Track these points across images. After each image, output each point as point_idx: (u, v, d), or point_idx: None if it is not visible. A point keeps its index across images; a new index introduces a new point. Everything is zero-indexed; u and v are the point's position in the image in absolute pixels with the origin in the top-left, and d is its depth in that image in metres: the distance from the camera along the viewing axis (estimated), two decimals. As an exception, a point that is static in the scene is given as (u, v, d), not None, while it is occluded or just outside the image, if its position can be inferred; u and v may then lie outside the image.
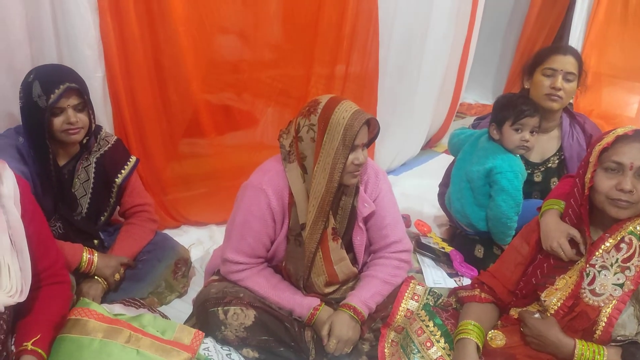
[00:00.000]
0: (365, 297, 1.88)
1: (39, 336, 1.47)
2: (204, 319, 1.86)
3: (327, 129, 1.74)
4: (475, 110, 5.80)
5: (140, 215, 2.26)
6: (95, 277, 2.03)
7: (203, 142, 2.77)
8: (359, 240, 1.97)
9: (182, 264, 2.28)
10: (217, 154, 2.83)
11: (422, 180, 3.68)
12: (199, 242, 2.72)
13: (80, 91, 1.95)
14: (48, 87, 1.86)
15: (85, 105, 1.97)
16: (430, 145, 4.52)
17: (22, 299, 1.47)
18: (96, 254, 2.03)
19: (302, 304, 1.88)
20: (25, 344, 1.44)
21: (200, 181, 2.85)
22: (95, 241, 2.18)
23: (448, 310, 1.85)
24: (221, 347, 1.78)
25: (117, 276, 2.07)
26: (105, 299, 2.04)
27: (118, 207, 2.29)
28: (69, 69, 2.02)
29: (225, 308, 1.83)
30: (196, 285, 2.34)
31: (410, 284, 1.99)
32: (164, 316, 1.94)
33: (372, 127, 1.85)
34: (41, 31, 2.17)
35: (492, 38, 5.69)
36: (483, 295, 1.79)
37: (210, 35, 2.52)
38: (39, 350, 1.45)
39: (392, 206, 2.02)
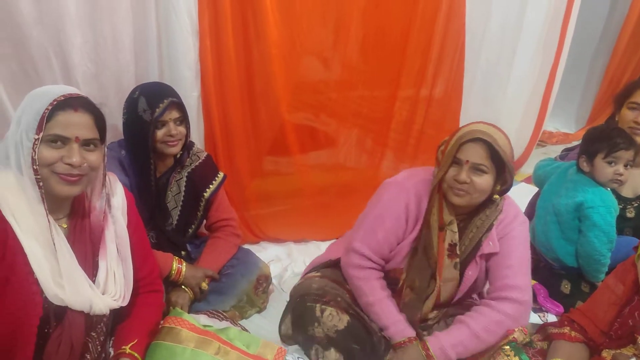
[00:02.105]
0: (445, 344, 1.78)
1: (135, 341, 1.55)
2: (301, 311, 1.91)
3: (450, 141, 1.77)
4: (556, 139, 5.61)
5: (225, 230, 2.34)
6: (183, 287, 2.12)
7: (286, 161, 2.85)
8: (470, 274, 1.90)
9: (264, 280, 2.33)
10: (299, 173, 2.90)
11: (501, 209, 3.58)
12: (277, 259, 2.78)
13: (181, 106, 2.07)
14: (153, 102, 2.00)
15: (184, 119, 2.09)
16: (508, 172, 4.40)
17: (124, 304, 1.56)
18: (184, 264, 2.12)
19: (398, 327, 1.86)
20: (123, 347, 1.53)
21: (281, 199, 2.94)
22: (183, 252, 2.27)
23: (535, 347, 1.79)
24: (302, 364, 1.83)
25: (204, 285, 2.15)
26: (190, 309, 2.12)
27: (205, 221, 2.38)
28: (169, 86, 2.15)
29: (323, 307, 1.88)
30: (274, 301, 2.40)
31: None
32: (244, 330, 2.00)
33: (501, 164, 1.73)
34: (147, 53, 2.33)
35: (578, 65, 5.49)
36: (573, 334, 1.73)
37: (300, 58, 2.62)
38: (136, 355, 1.53)
39: (522, 252, 1.90)
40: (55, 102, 1.36)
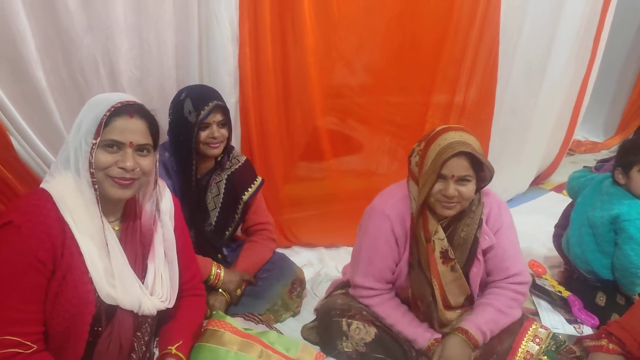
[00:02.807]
0: (479, 322, 1.86)
1: (181, 342, 1.59)
2: (327, 326, 1.95)
3: (426, 153, 1.78)
4: (584, 148, 5.57)
5: (261, 234, 2.38)
6: (220, 291, 2.16)
7: (319, 166, 2.88)
8: (475, 272, 1.97)
9: (298, 284, 2.37)
10: (331, 178, 2.93)
11: (530, 218, 3.59)
12: (309, 263, 2.81)
13: (225, 109, 2.13)
14: (198, 104, 2.06)
15: (227, 122, 2.14)
16: (537, 182, 4.39)
17: (170, 306, 1.61)
18: (223, 269, 2.17)
19: (424, 335, 1.91)
20: (169, 347, 1.57)
21: (314, 204, 2.97)
22: (219, 255, 2.32)
23: (571, 359, 1.80)
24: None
25: (239, 291, 2.19)
26: (226, 312, 2.16)
27: (241, 224, 2.42)
28: (215, 89, 2.20)
29: (349, 320, 1.91)
30: (308, 305, 2.43)
31: (533, 325, 1.94)
32: (280, 333, 2.03)
33: (481, 167, 1.80)
34: (188, 59, 2.39)
35: (609, 73, 5.41)
36: (611, 346, 1.74)
37: (335, 64, 2.65)
38: (181, 355, 1.57)
39: (513, 239, 2.00)
40: (112, 109, 1.41)
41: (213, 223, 2.27)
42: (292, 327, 2.28)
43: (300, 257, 2.86)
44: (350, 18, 2.55)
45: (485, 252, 1.96)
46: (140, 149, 1.46)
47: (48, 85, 2.15)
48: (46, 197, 1.40)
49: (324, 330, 1.98)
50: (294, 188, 2.89)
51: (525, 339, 1.91)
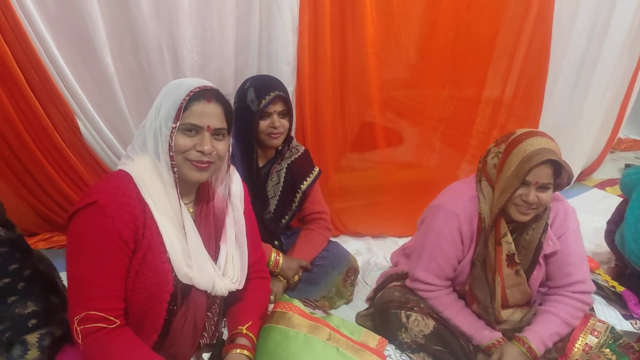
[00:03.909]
0: (544, 335, 1.85)
1: (250, 323, 1.63)
2: (386, 318, 1.96)
3: (508, 157, 1.77)
4: (625, 145, 5.48)
5: (318, 223, 2.41)
6: (278, 276, 2.20)
7: (370, 157, 2.90)
8: (535, 275, 1.96)
9: (352, 273, 2.40)
10: (382, 168, 2.94)
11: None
12: (358, 253, 2.83)
13: (287, 100, 2.15)
14: (260, 93, 2.08)
15: (288, 113, 2.17)
16: (580, 178, 4.34)
17: (240, 287, 1.65)
18: (282, 255, 2.21)
19: (482, 333, 1.91)
20: (240, 327, 1.60)
21: (363, 193, 2.99)
22: (277, 242, 2.35)
23: (633, 353, 1.79)
24: (400, 355, 1.87)
25: (296, 277, 2.22)
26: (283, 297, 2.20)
27: (298, 213, 2.44)
28: (279, 80, 2.22)
29: (408, 313, 1.92)
30: (360, 293, 2.46)
31: (591, 319, 1.94)
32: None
33: (561, 174, 1.78)
34: (247, 48, 2.42)
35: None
36: (678, 344, 1.72)
37: (393, 56, 2.65)
38: (251, 335, 1.60)
39: (578, 245, 1.96)
40: (191, 93, 1.43)
41: (272, 211, 2.31)
42: (345, 314, 2.31)
43: (349, 246, 2.86)
44: (409, 8, 2.55)
45: (547, 257, 1.95)
46: (216, 133, 1.49)
47: (115, 71, 2.21)
48: (127, 178, 1.44)
49: (382, 322, 2.00)
50: (344, 177, 2.91)
51: (583, 332, 1.91)
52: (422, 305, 1.96)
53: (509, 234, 1.87)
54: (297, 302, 1.72)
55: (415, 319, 1.91)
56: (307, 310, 1.77)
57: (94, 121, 2.27)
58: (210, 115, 1.47)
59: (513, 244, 1.89)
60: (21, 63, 2.07)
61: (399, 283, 2.12)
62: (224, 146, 1.52)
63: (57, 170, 2.38)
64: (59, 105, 2.20)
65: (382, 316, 2.01)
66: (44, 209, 2.48)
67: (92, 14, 2.05)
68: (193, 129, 1.45)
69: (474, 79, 2.93)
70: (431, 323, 1.91)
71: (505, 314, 1.96)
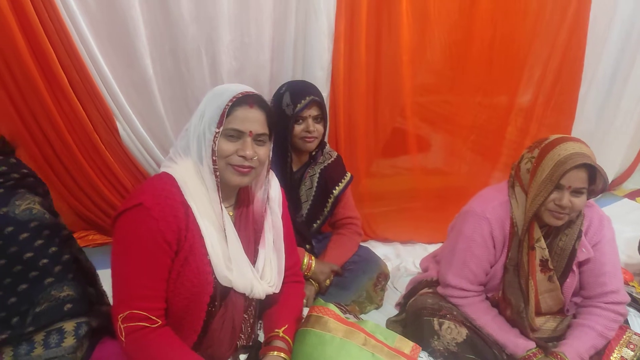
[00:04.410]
0: (580, 350, 1.83)
1: (286, 326, 1.64)
2: (418, 325, 1.96)
3: (542, 161, 1.76)
4: (655, 155, 5.38)
5: (349, 228, 2.42)
6: (310, 280, 2.21)
7: (401, 163, 2.92)
8: (569, 282, 1.94)
9: (383, 278, 2.41)
10: (412, 175, 2.96)
11: (606, 225, 3.50)
12: (387, 258, 2.84)
13: (322, 105, 2.17)
14: (296, 98, 2.11)
15: (323, 118, 2.18)
16: (610, 188, 4.29)
17: (277, 291, 1.66)
18: (314, 259, 2.22)
19: (516, 342, 1.89)
20: (276, 330, 1.62)
21: (393, 199, 3.01)
22: (308, 246, 2.36)
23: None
24: (433, 362, 1.88)
25: (327, 282, 2.24)
26: (314, 301, 2.22)
27: (329, 217, 2.46)
28: (314, 85, 2.24)
29: (441, 320, 1.92)
30: (389, 299, 2.46)
31: (627, 332, 1.92)
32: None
33: (595, 180, 1.76)
34: (282, 53, 2.45)
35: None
36: None
37: (428, 64, 2.66)
38: (288, 338, 1.61)
39: (613, 255, 1.94)
40: (234, 99, 1.45)
41: (304, 215, 2.33)
42: (375, 319, 2.32)
43: (377, 251, 2.84)
44: (445, 15, 2.56)
45: (581, 265, 1.93)
46: (258, 138, 1.50)
47: (154, 74, 2.25)
48: (171, 181, 1.46)
49: (414, 328, 1.99)
50: (375, 183, 2.92)
51: (619, 345, 1.89)
52: (455, 313, 1.96)
53: (542, 239, 1.86)
54: (332, 307, 1.73)
55: (448, 327, 1.91)
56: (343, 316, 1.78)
57: (131, 123, 2.31)
58: (253, 120, 1.48)
59: (547, 250, 1.88)
60: (65, 65, 2.12)
61: (430, 290, 2.12)
62: (265, 151, 1.54)
63: (95, 171, 2.43)
64: (99, 106, 2.24)
65: (414, 323, 2.01)
66: (82, 208, 2.54)
67: (134, 17, 2.10)
68: (235, 134, 1.46)
69: (507, 87, 2.93)
70: (464, 331, 1.90)
71: (538, 321, 1.94)
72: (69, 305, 1.41)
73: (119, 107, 2.26)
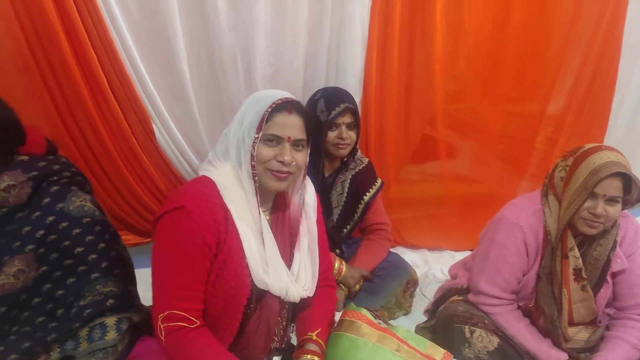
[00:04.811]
0: None
1: (319, 330, 1.66)
2: (449, 332, 1.96)
3: (576, 170, 1.76)
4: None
5: (379, 233, 2.44)
6: (340, 284, 2.23)
7: (430, 170, 2.94)
8: (603, 293, 1.94)
9: (412, 284, 2.42)
10: (441, 182, 2.97)
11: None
12: (414, 265, 2.83)
13: (355, 113, 2.19)
14: (330, 104, 2.14)
15: (356, 125, 2.21)
16: (640, 198, 4.22)
17: (310, 294, 1.68)
18: (345, 264, 2.24)
19: (549, 353, 1.89)
20: (310, 333, 1.64)
21: (421, 205, 3.03)
22: (337, 250, 2.39)
23: None
24: (464, 372, 1.88)
25: (357, 286, 2.26)
26: (343, 306, 2.23)
27: (359, 223, 2.48)
28: (349, 93, 2.27)
29: (472, 328, 1.92)
30: (418, 305, 2.47)
31: None
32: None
33: (630, 190, 1.76)
34: (316, 61, 2.49)
35: None
36: None
37: (459, 72, 2.67)
38: (321, 342, 1.63)
39: None
40: (273, 105, 1.48)
41: (334, 220, 2.35)
42: (404, 325, 2.30)
43: (405, 258, 2.85)
44: (480, 25, 2.57)
45: (614, 275, 1.92)
46: (296, 144, 1.52)
47: (191, 79, 2.31)
48: (211, 185, 1.50)
49: (445, 336, 2.00)
50: (403, 189, 2.94)
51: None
52: (486, 321, 1.96)
53: (576, 248, 1.86)
54: (365, 312, 1.75)
55: (480, 335, 1.91)
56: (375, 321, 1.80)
57: (168, 126, 2.36)
58: (291, 126, 1.50)
59: (580, 259, 1.87)
60: (106, 69, 2.18)
61: (461, 297, 2.12)
62: (303, 157, 1.56)
63: (131, 173, 2.48)
64: (137, 110, 2.30)
65: (444, 330, 2.01)
66: (117, 209, 2.59)
67: (173, 23, 2.15)
68: (274, 140, 1.48)
69: (538, 96, 2.93)
70: (495, 340, 1.90)
71: (571, 332, 1.93)
72: (111, 301, 1.46)
73: (157, 111, 2.31)
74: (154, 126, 2.35)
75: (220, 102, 2.39)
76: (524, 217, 1.91)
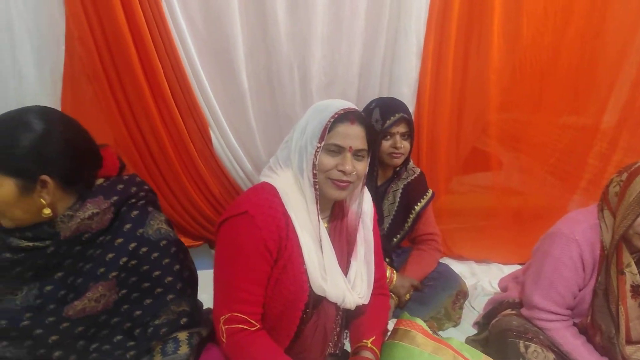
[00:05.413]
0: None
1: (374, 337, 1.67)
2: (502, 346, 1.94)
3: (630, 185, 1.73)
4: None
5: (429, 244, 2.44)
6: (390, 293, 2.24)
7: (481, 181, 2.93)
8: None
9: (462, 296, 2.41)
10: (492, 194, 2.96)
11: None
12: (462, 276, 2.81)
13: (410, 123, 2.21)
14: (385, 114, 2.16)
15: (410, 135, 2.22)
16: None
17: (366, 302, 1.69)
18: (396, 273, 2.25)
19: None
20: (364, 341, 1.65)
21: (471, 217, 3.01)
22: (387, 259, 2.40)
23: None
24: (517, 387, 1.86)
25: (407, 296, 2.27)
26: (392, 315, 2.24)
27: (409, 233, 2.49)
28: (403, 103, 2.29)
29: (527, 343, 1.89)
30: (467, 317, 2.46)
31: None
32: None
33: None
34: (370, 70, 2.52)
35: None
36: None
37: (515, 83, 2.65)
38: (375, 349, 1.65)
39: None
40: (336, 115, 1.50)
41: (385, 229, 2.37)
42: (453, 336, 2.30)
43: (453, 269, 2.88)
44: (538, 36, 2.56)
45: None
46: (357, 153, 1.53)
47: (248, 87, 2.37)
48: (274, 192, 1.53)
49: (497, 350, 1.98)
50: (453, 200, 2.93)
51: None
52: (541, 336, 1.93)
53: (633, 265, 1.82)
54: (420, 321, 1.75)
55: (535, 350, 1.88)
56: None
57: (225, 134, 2.43)
58: (353, 136, 1.52)
59: (638, 275, 1.83)
60: (169, 77, 2.27)
61: (514, 312, 2.10)
62: (364, 166, 1.57)
63: (188, 179, 2.56)
64: (196, 117, 2.38)
65: (497, 344, 2.00)
66: (173, 212, 2.67)
67: (235, 34, 2.22)
68: (336, 149, 1.50)
69: (592, 110, 2.88)
70: (551, 356, 1.87)
71: (628, 350, 1.89)
72: (184, 319, 1.51)
73: (215, 119, 2.38)
74: (211, 133, 2.42)
75: (276, 111, 2.45)
76: (580, 231, 1.89)
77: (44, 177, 1.30)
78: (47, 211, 1.33)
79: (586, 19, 2.65)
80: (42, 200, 1.32)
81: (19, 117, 1.30)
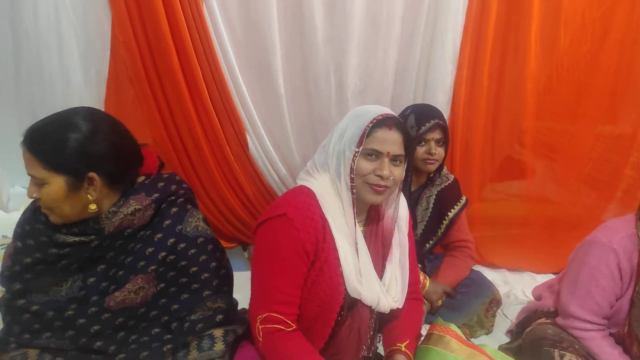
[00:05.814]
0: None
1: (407, 342, 1.68)
2: (536, 355, 1.93)
3: None
4: None
5: (462, 251, 2.43)
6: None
7: (515, 189, 2.91)
8: None
9: (495, 304, 2.39)
10: (526, 202, 2.94)
11: None
12: (495, 284, 2.80)
13: (445, 129, 2.21)
14: (420, 120, 2.17)
15: (445, 142, 2.22)
16: None
17: (400, 306, 1.70)
18: (428, 279, 2.26)
19: None
20: (398, 344, 1.66)
21: (504, 225, 2.99)
22: (420, 265, 2.40)
23: None
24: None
25: (439, 302, 2.26)
26: (424, 320, 2.24)
27: (442, 239, 2.48)
28: (438, 109, 2.29)
29: (562, 352, 1.87)
30: (499, 325, 2.43)
31: None
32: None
33: None
34: (405, 77, 2.54)
35: None
36: None
37: (552, 92, 2.64)
38: (409, 353, 1.65)
39: None
40: (374, 121, 1.52)
41: (418, 235, 2.37)
42: (485, 344, 2.30)
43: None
44: (576, 44, 2.54)
45: None
46: (394, 159, 1.55)
47: (285, 92, 2.40)
48: (312, 195, 1.55)
49: (532, 358, 1.95)
50: (486, 207, 2.92)
51: None
52: (577, 346, 1.91)
53: None
54: (454, 327, 1.75)
55: None
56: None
57: (260, 137, 2.47)
58: (391, 142, 1.53)
59: None
60: (208, 81, 2.32)
61: (549, 320, 2.08)
62: (401, 172, 1.58)
63: (223, 181, 2.61)
64: (234, 121, 2.42)
65: (532, 352, 1.98)
66: (207, 213, 2.71)
67: (273, 39, 2.26)
68: (374, 154, 1.52)
69: (630, 118, 2.83)
70: None
71: None
72: (220, 317, 1.55)
73: (251, 123, 2.43)
74: (248, 137, 2.46)
75: (311, 115, 2.48)
76: (617, 240, 1.86)
77: (92, 174, 1.36)
78: (93, 207, 1.39)
79: (625, 25, 2.62)
80: (89, 196, 1.38)
81: (68, 118, 1.37)
